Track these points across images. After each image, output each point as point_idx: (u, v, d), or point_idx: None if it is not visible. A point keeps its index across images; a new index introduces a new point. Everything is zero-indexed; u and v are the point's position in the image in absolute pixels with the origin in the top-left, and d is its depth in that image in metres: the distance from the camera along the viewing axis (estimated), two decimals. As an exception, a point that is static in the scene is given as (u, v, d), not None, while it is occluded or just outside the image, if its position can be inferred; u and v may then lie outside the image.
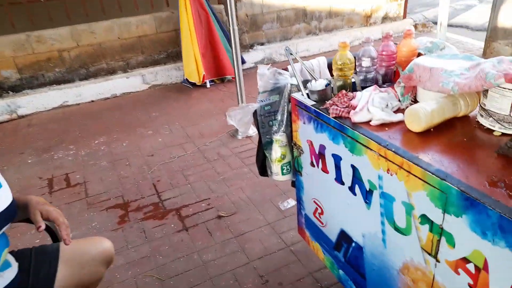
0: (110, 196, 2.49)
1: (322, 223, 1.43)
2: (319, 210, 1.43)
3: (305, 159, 1.43)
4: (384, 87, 1.33)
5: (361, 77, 1.43)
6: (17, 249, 1.23)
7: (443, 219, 0.88)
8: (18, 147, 3.28)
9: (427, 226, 0.93)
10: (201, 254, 1.96)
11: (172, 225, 2.19)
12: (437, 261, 0.92)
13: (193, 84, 4.28)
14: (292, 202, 2.26)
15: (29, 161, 3.03)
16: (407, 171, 0.95)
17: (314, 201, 1.45)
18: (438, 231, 0.90)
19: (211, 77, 4.31)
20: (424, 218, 0.93)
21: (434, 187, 0.88)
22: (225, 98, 3.94)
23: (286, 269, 1.81)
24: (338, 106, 1.24)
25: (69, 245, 1.29)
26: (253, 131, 3.08)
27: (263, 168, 1.64)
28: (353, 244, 1.26)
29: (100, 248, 1.29)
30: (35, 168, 2.92)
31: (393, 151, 0.99)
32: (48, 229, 1.35)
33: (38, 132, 3.55)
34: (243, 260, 1.90)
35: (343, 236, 1.31)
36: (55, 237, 1.36)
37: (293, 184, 1.63)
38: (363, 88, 1.38)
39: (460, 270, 0.86)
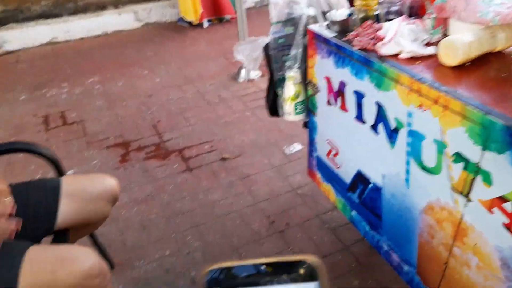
0: (109, 135, 2.42)
1: (337, 165, 1.39)
2: (334, 152, 1.38)
3: (321, 97, 1.35)
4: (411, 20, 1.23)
5: (385, 10, 1.32)
6: (14, 183, 1.17)
7: (482, 156, 0.83)
8: (8, 83, 3.12)
9: (461, 165, 0.88)
10: (206, 194, 1.94)
11: (175, 166, 2.15)
12: (468, 200, 0.89)
13: (189, 23, 4.05)
14: (298, 147, 2.21)
15: (21, 98, 2.90)
16: (444, 107, 0.88)
17: (329, 142, 1.40)
18: (473, 169, 0.85)
19: (209, 16, 4.07)
20: (459, 156, 0.88)
21: (475, 122, 0.82)
22: (224, 40, 3.75)
23: (293, 211, 1.80)
24: (362, 38, 1.14)
25: (72, 180, 1.23)
26: (255, 74, 2.95)
27: (273, 108, 1.57)
28: (371, 185, 1.23)
29: (105, 185, 1.24)
30: (28, 105, 2.80)
31: (428, 85, 0.91)
32: (52, 162, 1.29)
33: (28, 68, 3.37)
34: (249, 201, 1.89)
35: (360, 177, 1.27)
36: (59, 171, 1.31)
37: (305, 125, 1.56)
38: (387, 21, 1.27)
39: (495, 209, 0.83)
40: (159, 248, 1.68)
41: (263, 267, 0.25)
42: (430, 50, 1.06)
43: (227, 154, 2.20)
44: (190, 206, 1.88)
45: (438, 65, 1.01)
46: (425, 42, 1.13)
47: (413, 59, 1.05)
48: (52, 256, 0.98)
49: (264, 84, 2.87)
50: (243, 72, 2.93)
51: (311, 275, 0.25)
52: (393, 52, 1.08)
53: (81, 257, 0.99)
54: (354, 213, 1.37)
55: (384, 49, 1.08)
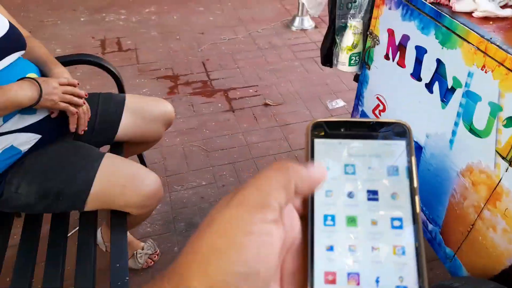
0: (161, 66, 2.51)
1: (381, 120, 1.41)
2: (381, 107, 1.39)
3: (379, 50, 1.34)
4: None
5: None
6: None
7: (535, 124, 0.83)
8: (70, 3, 3.23)
9: (511, 130, 0.89)
10: (246, 135, 2.02)
11: (220, 105, 2.22)
12: (511, 165, 0.90)
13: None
14: (340, 103, 2.22)
15: (82, 19, 3.02)
16: (508, 69, 0.87)
17: (378, 97, 1.40)
18: (523, 135, 0.86)
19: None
20: (511, 121, 0.88)
21: (537, 89, 0.81)
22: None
23: (327, 162, 1.85)
24: (436, -7, 1.11)
25: (135, 99, 1.32)
26: (309, 24, 2.90)
27: (328, 56, 1.57)
28: (412, 143, 1.25)
29: (163, 108, 1.33)
30: (87, 27, 2.92)
31: (497, 46, 0.90)
32: (116, 78, 1.38)
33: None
34: (286, 147, 1.95)
35: (403, 134, 1.29)
36: (122, 88, 1.40)
37: (356, 78, 1.57)
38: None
39: (535, 176, 0.85)
40: (197, 177, 1.80)
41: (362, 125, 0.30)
42: (506, 12, 1.02)
43: (270, 100, 2.25)
44: (229, 144, 1.97)
45: (511, 28, 0.98)
46: (503, 3, 1.08)
47: (487, 19, 1.02)
48: (125, 171, 1.09)
49: (316, 36, 2.84)
50: (297, 21, 2.89)
51: (401, 134, 0.30)
52: (468, 9, 1.04)
53: (149, 179, 1.10)
54: (389, 170, 1.40)
55: (459, 5, 1.05)
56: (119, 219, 1.11)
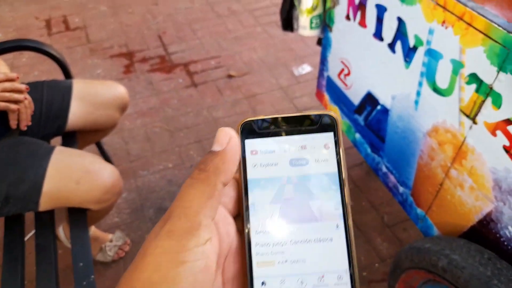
0: (113, 43, 2.35)
1: (346, 85, 1.37)
2: (346, 71, 1.35)
3: (340, 11, 1.28)
4: None
5: None
6: (27, 81, 1.17)
7: (496, 77, 0.80)
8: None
9: (473, 86, 0.86)
10: (211, 110, 1.95)
11: (180, 80, 2.12)
12: (474, 123, 0.88)
13: None
14: (307, 68, 2.16)
15: (22, -2, 2.77)
16: (467, 24, 0.83)
17: (342, 61, 1.35)
18: (485, 91, 0.83)
19: None
20: (473, 77, 0.86)
21: (496, 41, 0.78)
22: None
23: (296, 131, 1.82)
24: None
25: (83, 84, 1.22)
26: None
27: (288, 21, 1.49)
28: (379, 107, 1.22)
29: (115, 92, 1.24)
30: (30, 6, 2.68)
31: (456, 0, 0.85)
32: (60, 64, 1.26)
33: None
34: (253, 119, 1.90)
35: (369, 99, 1.26)
36: (68, 74, 1.29)
37: (319, 42, 1.50)
38: None
39: (498, 132, 0.83)
40: (162, 160, 1.73)
41: (286, 120, 0.30)
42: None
43: (234, 72, 2.16)
44: (194, 122, 1.89)
45: (469, -20, 0.93)
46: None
47: (443, -29, 0.97)
48: (78, 165, 1.00)
49: (277, -1, 2.72)
50: (255, -15, 2.75)
51: (329, 126, 0.30)
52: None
53: (106, 173, 1.02)
54: (358, 135, 1.38)
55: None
56: (78, 216, 1.04)
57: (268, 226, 0.28)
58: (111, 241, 1.34)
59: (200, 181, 0.26)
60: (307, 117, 0.30)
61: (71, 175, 0.98)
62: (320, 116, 0.30)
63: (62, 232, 1.28)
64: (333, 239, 0.28)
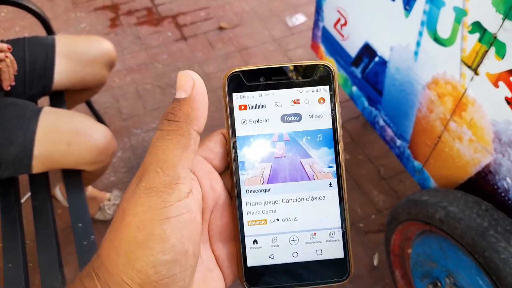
0: (97, -4, 2.22)
1: (343, 36, 1.31)
2: (342, 21, 1.29)
3: (336, -45, 1.19)
4: None
5: None
6: (7, 39, 1.10)
7: (501, 26, 0.77)
8: None
9: (476, 36, 0.83)
10: (202, 65, 1.88)
11: (169, 34, 2.03)
12: (476, 74, 0.86)
13: None
14: (301, 18, 2.07)
15: None
16: (475, -34, 0.78)
17: (338, 10, 1.29)
18: (489, 40, 0.80)
19: None
20: (476, 26, 0.82)
21: (505, -14, 0.74)
22: None
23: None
24: None
25: (67, 40, 1.16)
26: None
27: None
28: (376, 59, 1.18)
29: (102, 48, 1.18)
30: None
31: None
32: (41, 19, 1.19)
33: None
34: (246, 73, 1.84)
35: (366, 50, 1.21)
36: (50, 29, 1.22)
37: (313, -10, 1.42)
38: None
39: (500, 83, 0.81)
40: (155, 117, 1.69)
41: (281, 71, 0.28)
42: None
43: (225, 23, 2.07)
44: (186, 76, 1.83)
45: None
46: None
47: None
48: (67, 126, 0.97)
49: None
50: None
51: (324, 78, 0.28)
52: None
53: (97, 134, 0.99)
54: (354, 88, 1.35)
55: None
56: (73, 177, 1.03)
57: (258, 186, 0.27)
58: (109, 200, 1.34)
59: (172, 131, 0.24)
60: (301, 67, 0.28)
61: (61, 137, 0.96)
62: (315, 66, 0.28)
63: (59, 192, 1.27)
64: (326, 197, 0.27)
